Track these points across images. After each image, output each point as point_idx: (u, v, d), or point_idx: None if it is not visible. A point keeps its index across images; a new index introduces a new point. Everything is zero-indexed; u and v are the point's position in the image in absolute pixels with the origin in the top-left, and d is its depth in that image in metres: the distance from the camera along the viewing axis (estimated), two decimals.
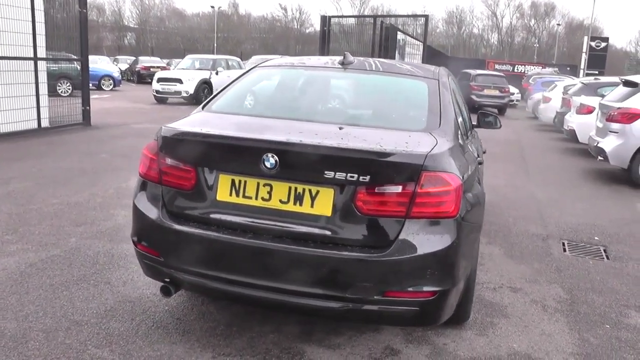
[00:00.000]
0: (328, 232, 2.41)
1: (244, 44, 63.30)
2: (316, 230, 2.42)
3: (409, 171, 2.35)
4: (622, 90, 8.15)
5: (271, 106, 3.11)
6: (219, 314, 3.16)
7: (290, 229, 2.44)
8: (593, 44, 42.02)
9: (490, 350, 2.98)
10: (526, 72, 40.41)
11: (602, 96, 10.79)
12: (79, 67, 16.03)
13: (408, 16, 14.50)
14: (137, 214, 2.72)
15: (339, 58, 3.47)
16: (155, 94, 16.26)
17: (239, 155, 2.48)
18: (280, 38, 66.76)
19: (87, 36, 9.95)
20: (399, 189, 2.35)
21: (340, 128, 2.64)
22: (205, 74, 16.35)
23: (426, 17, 12.87)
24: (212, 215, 2.53)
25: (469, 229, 2.59)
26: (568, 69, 44.39)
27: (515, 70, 44.56)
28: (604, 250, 4.88)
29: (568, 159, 10.30)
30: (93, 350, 2.72)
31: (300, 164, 2.40)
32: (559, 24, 71.00)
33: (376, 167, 2.35)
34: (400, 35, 16.16)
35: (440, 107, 2.95)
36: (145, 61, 29.58)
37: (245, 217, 2.49)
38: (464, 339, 3.07)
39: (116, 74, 21.56)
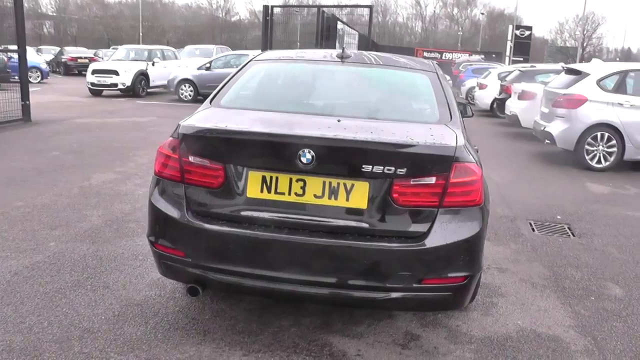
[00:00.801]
0: (365, 225, 2.45)
1: (169, 33, 61.31)
2: (353, 223, 2.45)
3: (443, 163, 2.43)
4: (565, 77, 8.66)
5: (285, 101, 3.08)
6: (232, 311, 3.13)
7: (327, 223, 2.46)
8: (518, 32, 44.06)
9: (499, 328, 3.14)
10: (454, 59, 41.89)
11: (541, 83, 11.43)
12: (5, 59, 15.08)
13: (352, 6, 14.59)
14: (157, 213, 2.64)
15: (336, 51, 3.49)
16: (90, 86, 15.52)
17: (273, 151, 2.45)
18: (205, 27, 65.15)
19: (24, 24, 9.32)
20: (432, 180, 2.43)
21: (370, 120, 2.69)
22: (141, 65, 15.77)
23: (370, 7, 13.05)
24: (242, 213, 2.50)
25: (487, 215, 2.72)
26: (494, 56, 46.43)
27: (443, 58, 46.08)
28: (569, 228, 5.21)
29: (513, 143, 10.82)
30: (116, 357, 2.63)
31: (338, 159, 2.41)
32: (482, 14, 73.80)
33: (413, 160, 2.42)
34: (340, 25, 16.31)
35: (447, 99, 3.05)
36: (72, 52, 28.11)
37: (278, 213, 2.48)
38: (473, 320, 3.21)
39: (44, 66, 20.35)
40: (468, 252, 2.53)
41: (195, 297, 2.65)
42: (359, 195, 2.44)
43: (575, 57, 57.28)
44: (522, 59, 42.46)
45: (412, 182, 2.43)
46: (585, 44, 62.86)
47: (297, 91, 3.22)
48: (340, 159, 2.42)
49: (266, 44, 12.73)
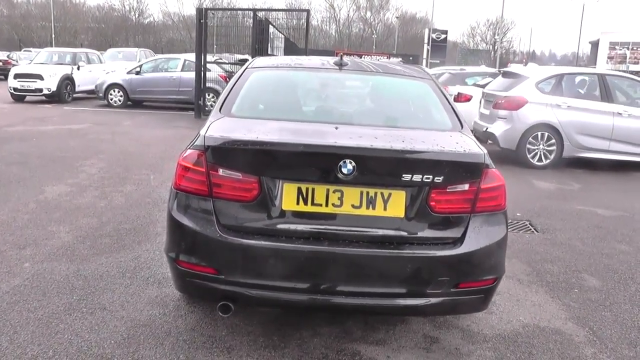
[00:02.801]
0: (404, 233, 2.46)
1: (81, 35, 58.34)
2: (392, 232, 2.46)
3: (475, 169, 2.51)
4: (504, 80, 9.13)
5: (299, 110, 3.03)
6: (247, 325, 3.03)
7: (366, 233, 2.45)
8: (434, 35, 45.99)
9: (506, 325, 3.26)
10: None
11: (474, 85, 11.98)
12: None
13: (289, 10, 14.56)
14: (182, 230, 2.50)
15: (333, 59, 3.49)
16: (12, 91, 14.44)
17: (312, 162, 2.41)
18: (119, 28, 62.61)
19: None
20: (466, 186, 2.50)
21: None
22: (66, 69, 14.89)
23: (307, 11, 13.07)
24: (279, 226, 2.44)
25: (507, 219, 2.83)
26: (411, 58, 48.12)
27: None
28: (530, 224, 5.50)
29: None
30: None
31: (379, 169, 2.41)
32: (397, 17, 76.19)
33: (450, 168, 2.47)
34: (271, 29, 16.23)
35: (452, 106, 3.14)
36: None
37: (316, 225, 2.44)
38: (480, 319, 3.31)
39: None
40: (497, 255, 2.61)
41: (227, 314, 2.54)
42: (396, 204, 2.45)
43: (486, 59, 60.53)
44: (438, 62, 44.34)
45: (448, 190, 2.48)
46: (496, 47, 66.56)
47: (309, 100, 3.18)
48: (381, 168, 2.42)
49: (200, 48, 12.41)
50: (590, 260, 4.53)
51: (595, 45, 68.11)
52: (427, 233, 2.48)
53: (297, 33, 17.70)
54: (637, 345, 3.15)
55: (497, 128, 8.55)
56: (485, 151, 2.64)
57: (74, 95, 15.23)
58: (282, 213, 2.43)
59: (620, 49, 61.12)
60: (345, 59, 3.47)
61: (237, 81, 3.20)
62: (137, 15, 66.17)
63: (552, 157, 8.33)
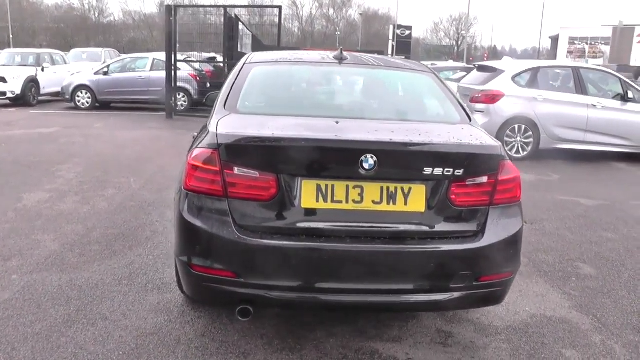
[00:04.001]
0: (425, 228, 2.43)
1: (40, 35, 56.48)
2: (414, 227, 2.42)
3: (493, 162, 2.49)
4: (479, 75, 9.24)
5: (308, 105, 2.96)
6: (258, 328, 2.95)
7: (387, 229, 2.40)
8: (399, 32, 46.18)
9: (514, 317, 3.27)
10: None
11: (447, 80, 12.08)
12: None
13: (261, 7, 14.38)
14: (196, 232, 2.40)
15: (332, 53, 3.43)
16: None
17: (332, 158, 2.34)
18: (79, 28, 60.85)
19: None
20: (484, 179, 2.48)
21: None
22: (31, 71, 14.35)
23: (279, 7, 12.92)
24: (299, 225, 2.36)
25: None
26: (376, 55, 48.36)
27: None
28: None
29: None
30: None
31: (400, 163, 2.37)
32: (361, 14, 76.55)
33: (470, 160, 2.44)
34: (241, 26, 16.04)
35: (457, 99, 3.13)
36: None
37: (337, 223, 2.38)
38: (489, 312, 3.31)
39: None
40: (514, 247, 2.61)
41: (247, 319, 2.45)
42: (416, 198, 2.41)
43: (450, 55, 61.35)
44: (404, 57, 44.62)
45: (467, 182, 2.45)
46: (460, 43, 67.59)
47: (314, 94, 3.12)
48: (403, 163, 2.38)
49: (170, 46, 12.13)
50: (581, 249, 4.60)
51: (555, 40, 69.93)
52: (448, 227, 2.46)
53: (261, 30, 17.55)
54: None
55: None
56: (500, 143, 2.64)
57: (39, 98, 14.70)
58: (302, 211, 2.36)
59: (579, 44, 62.94)
60: (345, 53, 3.41)
61: (237, 77, 3.10)
62: (97, 15, 64.46)
63: (529, 149, 8.47)
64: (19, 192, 5.62)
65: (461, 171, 2.41)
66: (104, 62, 17.18)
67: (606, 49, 60.63)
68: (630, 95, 8.53)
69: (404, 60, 3.68)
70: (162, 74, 12.83)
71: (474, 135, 2.63)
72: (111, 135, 9.66)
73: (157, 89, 13.15)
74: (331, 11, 79.81)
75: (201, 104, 14.75)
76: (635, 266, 4.27)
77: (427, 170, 2.37)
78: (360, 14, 76.32)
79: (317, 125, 2.56)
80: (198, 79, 13.81)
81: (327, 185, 2.36)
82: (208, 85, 14.61)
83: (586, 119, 8.39)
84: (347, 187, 2.36)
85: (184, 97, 13.29)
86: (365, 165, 2.30)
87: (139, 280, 3.56)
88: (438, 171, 2.38)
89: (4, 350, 2.70)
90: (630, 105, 8.50)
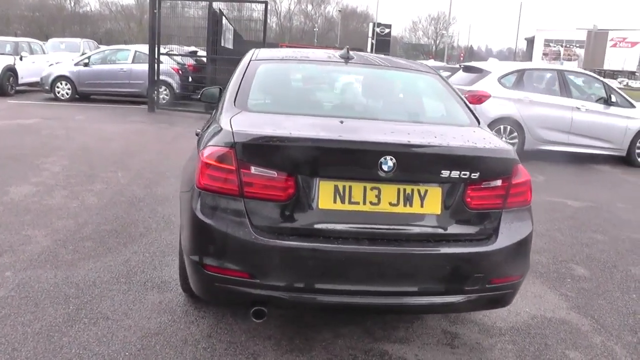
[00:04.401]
0: (440, 230, 2.43)
1: (14, 24, 54.96)
2: (429, 230, 2.42)
3: (508, 165, 2.51)
4: (465, 75, 9.31)
5: (318, 104, 2.92)
6: (265, 329, 2.92)
7: (404, 231, 2.40)
8: (378, 30, 46.40)
9: (516, 318, 3.31)
10: None
11: None
12: None
13: (246, 1, 14.19)
14: (210, 232, 2.35)
15: (338, 52, 3.41)
16: None
17: (351, 159, 2.32)
18: (54, 18, 59.48)
19: None
20: (499, 182, 2.49)
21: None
22: (8, 60, 13.92)
23: (265, 3, 12.79)
24: (316, 226, 2.34)
25: None
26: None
27: None
28: None
29: None
30: None
31: (418, 165, 2.36)
32: (340, 11, 76.57)
33: (486, 163, 2.45)
34: (223, 20, 15.87)
35: (463, 101, 3.14)
36: None
37: (354, 224, 2.36)
38: (491, 312, 3.34)
39: None
40: (525, 251, 2.63)
41: (261, 320, 2.42)
42: (432, 200, 2.41)
43: (428, 54, 61.68)
44: (383, 55, 44.77)
45: (482, 185, 2.46)
46: (438, 42, 68.17)
47: (325, 93, 3.09)
48: (420, 165, 2.38)
49: (154, 39, 11.92)
50: (572, 250, 4.68)
51: (530, 41, 71.06)
52: (463, 229, 2.46)
53: (239, 25, 17.34)
54: (638, 331, 3.27)
55: None
56: (513, 147, 2.66)
57: (17, 87, 14.31)
58: (319, 212, 2.34)
59: (555, 46, 64.08)
60: (351, 52, 3.39)
61: (244, 74, 3.04)
62: (73, 4, 63.13)
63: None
64: (4, 185, 5.46)
65: (477, 174, 2.42)
66: (82, 53, 16.81)
67: (581, 51, 61.89)
68: (613, 99, 8.71)
69: (408, 61, 3.67)
70: (144, 67, 12.61)
71: (487, 138, 2.64)
72: (94, 128, 9.46)
73: (139, 82, 12.93)
74: (309, 7, 79.70)
75: (183, 98, 14.60)
76: (626, 268, 4.36)
77: (445, 173, 2.37)
78: (340, 11, 76.40)
79: (334, 126, 2.54)
80: (180, 72, 13.62)
81: (344, 187, 2.34)
82: (190, 79, 14.43)
83: (570, 121, 8.54)
84: (365, 188, 2.35)
85: (165, 90, 13.09)
86: (384, 167, 2.29)
87: (137, 278, 3.49)
88: (455, 174, 2.38)
89: (4, 351, 2.61)
90: (613, 109, 8.68)
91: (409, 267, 2.37)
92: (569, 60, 59.77)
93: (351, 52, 3.36)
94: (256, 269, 2.32)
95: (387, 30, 51.41)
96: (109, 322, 2.92)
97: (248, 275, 2.32)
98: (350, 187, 2.34)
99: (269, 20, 17.02)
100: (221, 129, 2.47)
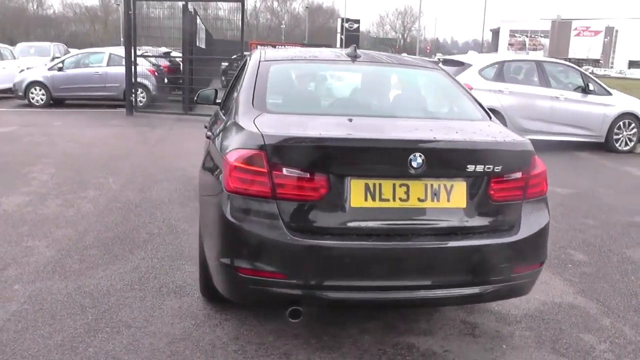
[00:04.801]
0: (467, 223, 2.49)
1: None
2: (457, 223, 2.47)
3: (527, 157, 2.59)
4: (446, 68, 9.42)
5: (336, 103, 2.95)
6: (290, 328, 2.92)
7: (432, 226, 2.45)
8: (347, 25, 46.48)
9: (527, 305, 3.40)
10: None
11: None
12: None
13: (222, 0, 14.06)
14: (244, 235, 2.35)
15: (345, 50, 3.43)
16: None
17: (383, 157, 2.36)
18: (17, 20, 57.87)
19: None
20: (519, 174, 2.57)
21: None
22: None
23: (242, 1, 12.69)
24: (349, 224, 2.37)
25: None
26: (323, 47, 48.47)
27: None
28: None
29: None
30: None
31: (445, 161, 2.42)
32: (307, 7, 76.49)
33: (508, 157, 2.53)
34: (198, 20, 15.71)
35: (472, 96, 3.21)
36: None
37: (385, 221, 2.40)
38: (504, 302, 3.36)
39: None
40: (544, 240, 2.72)
41: (297, 319, 2.44)
42: (458, 194, 2.47)
43: (395, 47, 62.09)
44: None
45: (504, 178, 2.53)
46: (406, 35, 68.75)
47: (341, 93, 3.12)
48: (447, 161, 2.43)
49: (130, 41, 11.74)
50: (568, 236, 4.82)
51: (496, 32, 72.26)
52: (487, 221, 2.53)
53: (205, 23, 17.18)
54: None
55: None
56: (529, 139, 2.74)
57: None
58: (351, 211, 2.37)
59: (520, 37, 65.33)
60: (358, 51, 3.42)
61: (257, 75, 3.03)
62: (35, 7, 61.52)
63: None
64: None
65: (500, 167, 2.49)
66: (53, 57, 16.44)
67: (546, 41, 63.24)
68: (590, 87, 8.96)
69: (411, 57, 3.73)
70: (120, 70, 12.42)
71: (503, 132, 2.71)
72: (74, 134, 9.28)
73: (115, 85, 12.72)
74: (275, 4, 79.38)
75: (160, 100, 14.37)
76: (621, 251, 4.51)
77: (470, 167, 2.43)
78: (307, 7, 76.35)
79: (359, 125, 2.57)
80: (156, 74, 13.44)
81: (374, 184, 2.38)
82: (165, 80, 14.26)
83: (550, 110, 8.75)
84: (394, 185, 2.39)
85: (142, 93, 12.90)
86: (414, 164, 2.33)
87: (151, 285, 3.46)
88: (480, 168, 2.44)
89: None
90: (590, 97, 8.94)
91: (440, 260, 2.43)
92: (534, 50, 61.05)
93: (358, 51, 3.39)
94: (292, 270, 2.34)
95: (355, 26, 51.55)
96: (132, 330, 2.90)
97: (284, 276, 2.34)
98: (380, 185, 2.38)
99: (234, 18, 17.04)
100: (246, 131, 2.47)
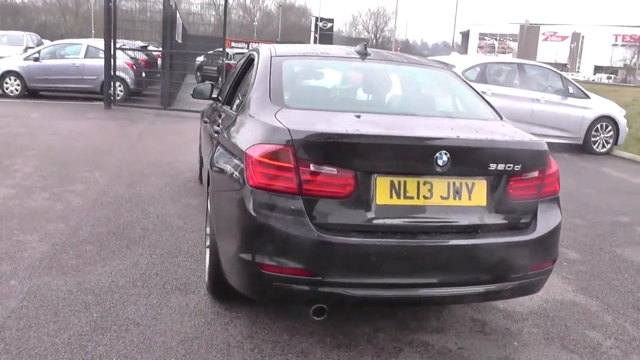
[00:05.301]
0: (487, 221, 2.51)
1: None
2: (477, 221, 2.49)
3: (544, 157, 2.64)
4: None
5: (353, 100, 2.93)
6: (304, 326, 2.89)
7: (455, 224, 2.46)
8: (321, 24, 46.44)
9: (531, 302, 3.45)
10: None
11: None
12: None
13: None
14: (269, 232, 2.31)
15: (354, 48, 3.41)
16: None
17: (410, 154, 2.36)
18: None
19: None
20: (536, 173, 2.61)
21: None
22: None
23: None
24: (374, 222, 2.36)
25: None
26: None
27: (250, 48, 46.36)
28: None
29: None
30: None
31: (469, 159, 2.43)
32: (281, 5, 76.18)
33: (527, 156, 2.56)
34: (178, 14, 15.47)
35: (480, 95, 3.24)
36: None
37: (409, 218, 2.40)
38: (509, 299, 3.46)
39: None
40: (557, 238, 2.76)
41: (321, 317, 2.41)
42: (479, 193, 2.49)
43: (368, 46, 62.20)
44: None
45: (523, 177, 2.56)
46: (378, 36, 69.18)
47: (355, 89, 3.10)
48: (471, 159, 2.44)
49: (109, 34, 11.45)
50: (560, 235, 4.90)
51: (465, 35, 73.42)
52: (507, 219, 2.56)
53: (188, 18, 16.98)
54: None
55: None
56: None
57: None
58: (377, 208, 2.36)
59: (489, 40, 66.49)
60: (368, 49, 3.41)
61: (270, 70, 2.98)
62: None
63: None
64: None
65: (520, 166, 2.52)
66: (26, 47, 15.93)
67: (514, 45, 64.48)
68: (570, 90, 9.17)
69: (418, 57, 3.75)
70: (97, 62, 12.13)
71: (518, 132, 2.75)
72: (54, 126, 9.01)
73: (92, 78, 12.41)
74: (248, 1, 78.79)
75: (137, 94, 14.11)
76: (612, 249, 4.63)
77: (492, 166, 2.45)
78: (280, 5, 76.07)
79: (383, 122, 2.56)
80: (134, 67, 13.17)
81: (399, 182, 2.37)
82: (143, 74, 13.99)
83: (531, 112, 8.92)
84: (418, 183, 2.39)
85: (120, 86, 12.62)
86: (440, 162, 2.34)
87: (154, 282, 3.38)
88: (501, 166, 2.46)
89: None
90: (570, 100, 9.15)
91: (463, 258, 2.44)
92: (503, 53, 62.21)
93: (368, 49, 3.37)
94: (319, 267, 2.31)
95: (329, 25, 51.54)
96: (141, 328, 2.83)
97: (310, 273, 2.31)
98: (405, 182, 2.37)
99: (206, 14, 16.70)
100: (269, 125, 2.43)
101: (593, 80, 49.94)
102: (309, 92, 3.01)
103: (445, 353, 2.75)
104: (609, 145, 9.49)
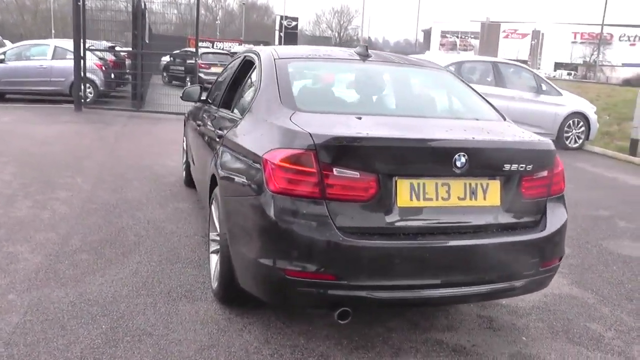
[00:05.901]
0: (501, 220, 2.56)
1: None
2: (492, 221, 2.54)
3: (552, 156, 2.71)
4: None
5: (362, 103, 2.94)
6: (319, 330, 2.90)
7: (471, 224, 2.51)
8: (285, 23, 46.44)
9: (532, 297, 3.53)
10: (230, 48, 42.09)
11: None
12: None
13: None
14: (293, 237, 2.30)
15: (355, 49, 3.43)
16: None
17: (430, 157, 2.39)
18: None
19: None
20: (545, 172, 2.68)
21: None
22: None
23: None
24: (397, 224, 2.38)
25: None
26: (261, 45, 48.03)
27: (215, 47, 45.80)
28: None
29: None
30: None
31: (485, 161, 2.47)
32: (244, 3, 75.68)
33: (538, 156, 2.63)
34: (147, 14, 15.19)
35: (484, 97, 3.31)
36: None
37: (428, 220, 2.44)
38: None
39: None
40: (563, 235, 2.84)
41: (345, 321, 2.42)
42: (493, 193, 2.54)
43: (329, 45, 62.62)
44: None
45: (534, 176, 2.63)
46: (342, 34, 69.45)
47: (363, 91, 3.11)
48: (487, 160, 2.49)
49: (79, 34, 11.14)
50: None
51: (427, 33, 74.46)
52: (519, 218, 2.63)
53: (118, 16, 16.71)
54: (633, 299, 3.64)
55: None
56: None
57: None
58: (398, 210, 2.38)
59: (451, 37, 67.56)
60: (368, 50, 3.43)
61: (276, 73, 2.96)
62: None
63: None
64: None
65: (531, 166, 2.59)
66: None
67: (476, 42, 65.80)
68: (543, 87, 9.42)
69: (417, 58, 3.79)
70: (65, 63, 11.81)
71: (525, 132, 2.82)
72: (26, 131, 8.73)
73: (60, 80, 12.08)
74: (210, 0, 77.97)
75: (106, 95, 13.80)
76: (598, 243, 4.79)
77: (507, 166, 2.51)
78: (244, 4, 75.55)
79: (400, 124, 2.59)
80: (104, 69, 12.88)
81: (419, 184, 2.40)
82: (112, 75, 13.70)
83: (506, 110, 9.07)
84: (437, 184, 2.43)
85: (89, 88, 12.32)
86: (458, 163, 2.38)
87: (157, 290, 3.33)
88: (514, 167, 2.53)
89: None
90: (543, 97, 9.40)
91: (482, 257, 2.49)
92: (465, 50, 63.39)
93: (369, 50, 3.40)
94: (343, 271, 2.32)
95: (294, 23, 51.57)
96: (155, 338, 2.78)
97: (335, 277, 2.31)
98: (424, 184, 2.41)
99: (168, 13, 16.47)
100: (287, 130, 2.43)
101: (554, 76, 51.39)
102: (318, 94, 3.01)
103: (460, 351, 2.80)
104: (580, 141, 9.79)
